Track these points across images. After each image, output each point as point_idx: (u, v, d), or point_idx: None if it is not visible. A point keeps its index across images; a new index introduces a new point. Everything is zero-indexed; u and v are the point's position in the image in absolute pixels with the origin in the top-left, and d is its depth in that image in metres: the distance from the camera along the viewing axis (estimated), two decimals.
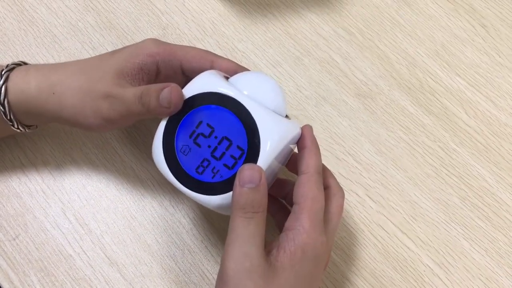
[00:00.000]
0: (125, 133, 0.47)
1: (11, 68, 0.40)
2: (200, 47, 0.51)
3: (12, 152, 0.46)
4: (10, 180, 0.46)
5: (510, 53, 0.51)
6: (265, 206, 0.33)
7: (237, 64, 0.41)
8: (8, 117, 0.40)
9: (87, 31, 0.51)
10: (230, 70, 0.40)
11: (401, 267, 0.44)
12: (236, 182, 0.33)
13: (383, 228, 0.45)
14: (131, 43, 0.51)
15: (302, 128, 0.38)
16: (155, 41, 0.40)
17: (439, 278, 0.43)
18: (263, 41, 0.52)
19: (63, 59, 0.50)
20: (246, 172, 0.33)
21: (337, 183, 0.39)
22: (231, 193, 0.34)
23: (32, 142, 0.47)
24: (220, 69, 0.40)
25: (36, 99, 0.39)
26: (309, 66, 0.51)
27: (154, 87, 0.36)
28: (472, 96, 0.50)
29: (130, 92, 0.37)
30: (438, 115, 0.49)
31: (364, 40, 0.52)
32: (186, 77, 0.41)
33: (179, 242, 0.44)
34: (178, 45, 0.41)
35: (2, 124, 0.41)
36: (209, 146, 0.35)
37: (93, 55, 0.50)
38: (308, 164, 0.36)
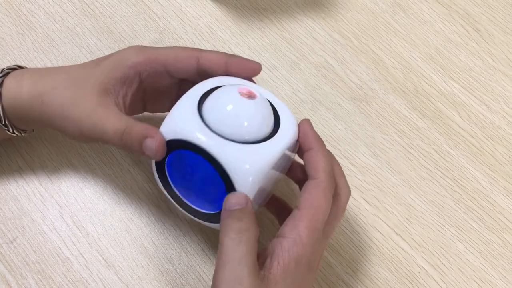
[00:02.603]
0: None
1: (6, 73, 0.40)
2: None
3: (10, 155, 0.47)
4: (7, 183, 0.46)
5: (503, 57, 0.52)
6: (254, 224, 0.33)
7: (225, 54, 0.39)
8: (3, 123, 0.40)
9: (84, 35, 0.52)
10: (219, 63, 0.38)
11: (396, 269, 0.44)
12: (224, 207, 0.33)
13: (378, 230, 0.45)
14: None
15: (300, 126, 0.37)
16: (136, 49, 0.40)
17: (434, 279, 0.44)
18: (259, 45, 0.52)
19: (60, 63, 0.51)
20: (231, 200, 0.33)
21: (345, 182, 0.37)
22: None
23: (29, 145, 0.47)
24: (208, 64, 0.39)
25: (28, 107, 0.39)
26: (305, 70, 0.51)
27: (136, 131, 0.35)
28: (466, 99, 0.50)
29: (111, 126, 0.36)
30: (432, 118, 0.49)
31: (360, 44, 0.52)
32: (173, 78, 0.40)
33: (175, 245, 0.44)
34: (161, 48, 0.40)
35: None
36: (197, 188, 0.36)
37: (90, 59, 0.51)
38: (316, 169, 0.34)
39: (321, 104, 0.50)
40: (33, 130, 0.43)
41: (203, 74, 0.39)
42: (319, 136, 0.36)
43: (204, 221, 0.37)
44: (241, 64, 0.38)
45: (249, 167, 0.33)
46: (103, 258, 0.44)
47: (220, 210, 0.34)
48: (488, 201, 0.46)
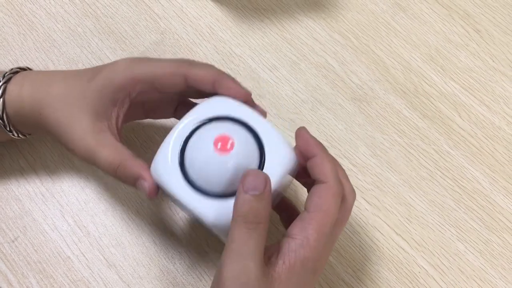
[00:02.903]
0: (123, 137, 0.48)
1: (8, 78, 0.40)
2: (198, 51, 0.52)
3: (12, 155, 0.47)
4: (9, 183, 0.46)
5: (503, 57, 0.52)
6: (268, 216, 0.32)
7: (214, 72, 0.38)
8: (8, 128, 0.41)
9: (86, 35, 0.52)
10: (207, 82, 0.38)
11: (396, 269, 0.44)
12: (239, 188, 0.32)
13: (378, 230, 0.45)
14: (129, 47, 0.52)
15: (299, 135, 0.36)
16: (125, 67, 0.39)
17: (434, 279, 0.44)
18: (260, 45, 0.52)
19: (62, 63, 0.51)
20: (250, 177, 0.32)
21: (350, 185, 0.37)
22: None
23: (31, 146, 0.47)
24: (195, 83, 0.38)
25: (29, 114, 0.40)
26: (305, 70, 0.51)
27: (130, 170, 0.37)
28: (466, 100, 0.50)
29: (105, 157, 0.37)
30: (432, 119, 0.50)
31: (360, 45, 0.53)
32: (162, 93, 0.40)
33: (176, 244, 0.44)
34: (150, 62, 0.39)
35: (1, 133, 0.41)
36: None
37: (91, 59, 0.51)
38: (324, 174, 0.34)
39: (321, 104, 0.50)
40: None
41: (193, 89, 0.39)
42: (319, 142, 0.36)
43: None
44: (230, 90, 0.38)
45: (224, 222, 0.34)
46: (104, 257, 0.44)
47: None
48: (488, 201, 0.47)
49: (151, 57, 0.46)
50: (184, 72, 0.38)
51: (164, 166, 0.36)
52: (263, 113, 0.39)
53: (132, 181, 0.37)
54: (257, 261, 0.31)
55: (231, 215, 0.32)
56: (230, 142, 0.34)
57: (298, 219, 0.34)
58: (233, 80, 0.38)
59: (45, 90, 0.39)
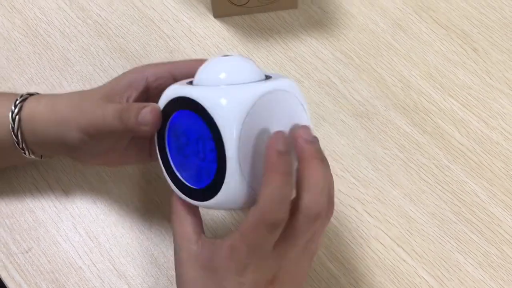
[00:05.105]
0: None
1: (25, 98, 0.42)
2: None
3: (26, 168, 0.49)
4: (23, 195, 0.48)
5: (500, 75, 0.54)
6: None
7: (195, 60, 0.41)
8: (21, 146, 0.42)
9: (98, 55, 0.54)
10: (191, 69, 0.39)
11: (398, 280, 0.45)
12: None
13: (380, 242, 0.47)
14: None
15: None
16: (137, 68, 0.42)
17: None
18: (265, 64, 0.54)
19: (75, 82, 0.53)
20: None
21: (311, 198, 0.33)
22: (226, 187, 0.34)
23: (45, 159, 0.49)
24: (180, 74, 0.40)
25: (44, 121, 0.41)
26: (309, 87, 0.53)
27: (135, 105, 0.37)
28: (464, 116, 0.52)
29: (111, 107, 0.38)
30: (432, 134, 0.51)
31: (361, 63, 0.55)
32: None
33: None
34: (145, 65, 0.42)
35: (15, 155, 0.42)
36: (190, 151, 0.35)
37: (104, 78, 0.53)
38: (263, 191, 0.32)
39: (324, 120, 0.52)
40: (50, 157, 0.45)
41: None
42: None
43: (197, 200, 0.36)
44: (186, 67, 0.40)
45: (227, 102, 0.33)
46: (114, 267, 0.45)
47: (209, 184, 0.34)
48: (486, 214, 0.48)
49: None
50: (169, 69, 0.41)
51: (174, 86, 0.37)
52: None
53: (135, 117, 0.37)
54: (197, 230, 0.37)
55: (231, 94, 0.33)
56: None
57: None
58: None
59: (60, 98, 0.42)
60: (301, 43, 0.56)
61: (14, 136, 0.41)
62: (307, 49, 0.55)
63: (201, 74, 0.37)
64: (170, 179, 0.38)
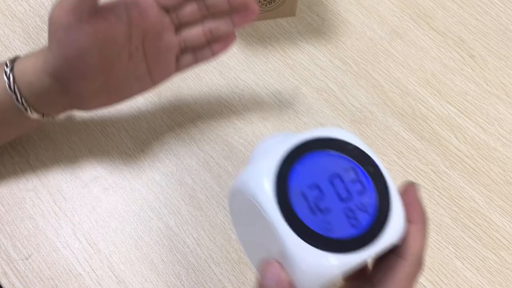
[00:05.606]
0: (132, 157, 0.50)
1: (15, 58, 0.43)
2: (204, 77, 0.54)
3: (26, 175, 0.49)
4: (23, 202, 0.48)
5: (497, 81, 0.54)
6: None
7: None
8: (21, 102, 0.42)
9: None
10: None
11: None
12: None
13: None
14: None
15: (404, 190, 0.32)
16: None
17: None
18: (263, 71, 0.55)
19: None
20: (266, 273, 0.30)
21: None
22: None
23: (44, 166, 0.50)
24: None
25: (40, 64, 0.41)
26: (307, 94, 0.54)
27: None
28: (462, 122, 0.52)
29: None
30: (429, 140, 0.52)
31: (359, 70, 0.55)
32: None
33: (183, 261, 0.46)
34: None
35: (15, 116, 0.43)
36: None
37: None
38: (410, 249, 0.30)
39: (322, 126, 0.52)
40: (52, 117, 0.45)
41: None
42: (424, 210, 0.32)
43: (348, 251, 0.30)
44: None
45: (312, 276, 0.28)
46: (114, 274, 0.46)
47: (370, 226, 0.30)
48: (484, 219, 0.48)
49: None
50: None
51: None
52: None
53: None
54: None
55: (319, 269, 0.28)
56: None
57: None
58: None
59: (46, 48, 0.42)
60: (300, 51, 0.56)
61: (12, 93, 0.41)
62: (306, 56, 0.56)
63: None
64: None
